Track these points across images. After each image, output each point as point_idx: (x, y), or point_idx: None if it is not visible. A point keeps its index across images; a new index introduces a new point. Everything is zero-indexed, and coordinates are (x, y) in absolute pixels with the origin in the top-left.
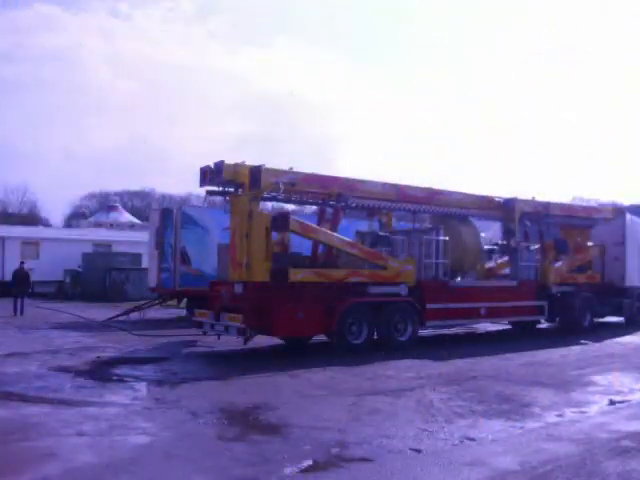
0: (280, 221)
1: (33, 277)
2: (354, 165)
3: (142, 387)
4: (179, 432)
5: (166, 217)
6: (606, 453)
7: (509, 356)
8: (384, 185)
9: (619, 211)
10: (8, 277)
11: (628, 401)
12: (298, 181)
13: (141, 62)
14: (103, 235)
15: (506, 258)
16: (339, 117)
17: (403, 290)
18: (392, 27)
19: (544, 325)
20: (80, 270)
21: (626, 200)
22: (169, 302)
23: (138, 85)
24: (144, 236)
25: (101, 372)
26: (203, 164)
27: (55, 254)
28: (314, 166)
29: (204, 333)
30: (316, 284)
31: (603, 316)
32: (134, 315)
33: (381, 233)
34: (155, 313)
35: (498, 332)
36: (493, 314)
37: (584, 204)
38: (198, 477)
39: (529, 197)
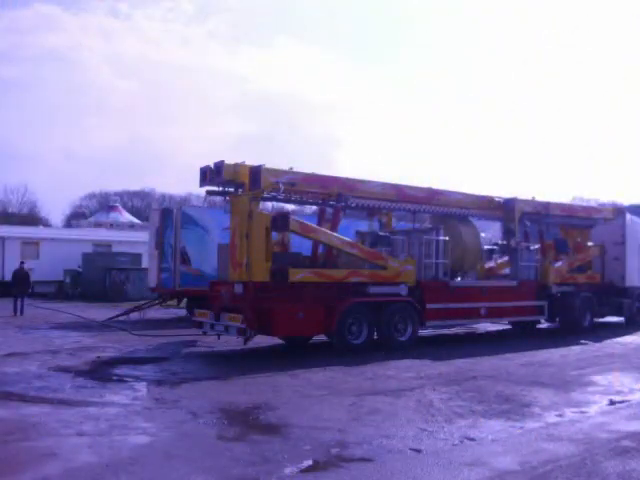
0: (280, 221)
1: (33, 277)
2: (354, 165)
3: (142, 387)
4: (179, 432)
5: (166, 217)
6: (606, 453)
7: (509, 356)
8: (384, 185)
9: (619, 211)
10: (8, 277)
11: (628, 401)
12: (298, 181)
13: (141, 62)
14: (103, 235)
15: (506, 258)
16: (339, 117)
17: (403, 290)
18: (392, 27)
19: (544, 325)
20: (80, 270)
21: (626, 200)
22: (169, 302)
23: (138, 85)
24: (144, 236)
25: (101, 372)
26: (203, 164)
27: (55, 254)
28: (314, 166)
29: (204, 333)
30: (316, 284)
31: (603, 316)
32: (134, 315)
33: (381, 233)
34: (155, 313)
35: (498, 332)
36: (493, 314)
37: (584, 204)
38: (198, 477)
39: (529, 197)
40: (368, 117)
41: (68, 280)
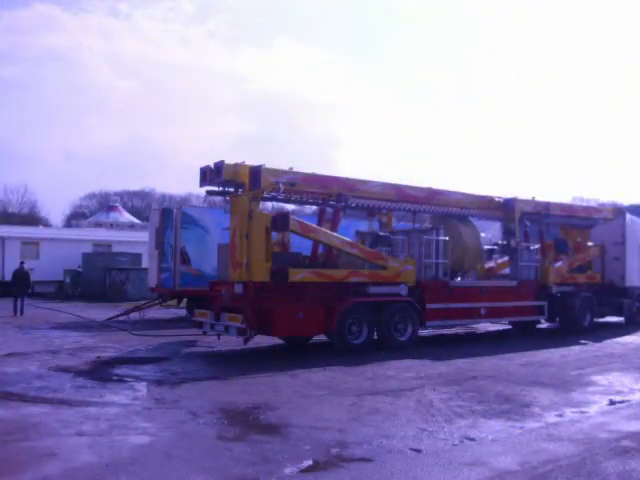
0: (280, 221)
1: (33, 277)
2: (354, 165)
3: (142, 387)
4: (179, 432)
5: (166, 217)
6: (606, 453)
7: (509, 356)
8: (384, 185)
9: (619, 211)
10: (8, 277)
11: (628, 401)
12: (298, 181)
13: (141, 62)
14: (103, 235)
15: (506, 258)
16: (339, 117)
17: (403, 290)
18: (392, 27)
19: (544, 325)
20: (80, 270)
21: (626, 200)
22: (169, 302)
23: (138, 85)
24: (144, 236)
25: (101, 372)
26: (203, 164)
27: (55, 254)
28: (314, 166)
29: (204, 333)
30: (316, 284)
31: (603, 316)
32: (134, 315)
33: (381, 233)
34: (155, 313)
35: (498, 332)
36: (493, 314)
37: (584, 204)
38: (198, 477)
39: (529, 197)
40: (368, 117)
41: (68, 280)
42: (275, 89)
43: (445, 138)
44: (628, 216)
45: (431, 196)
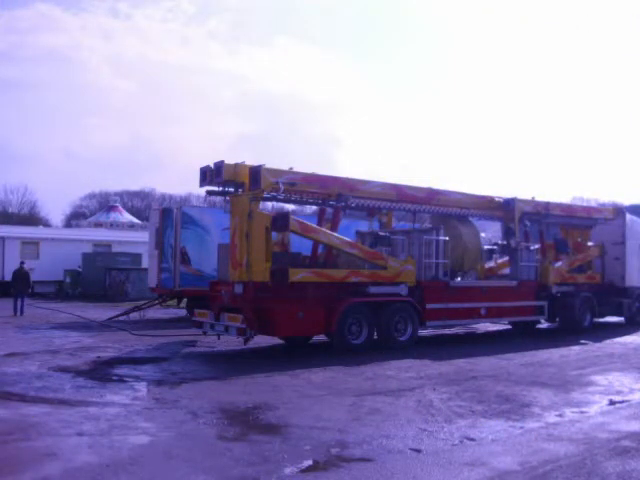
0: (280, 221)
1: (33, 277)
2: (354, 165)
3: (142, 387)
4: (179, 432)
5: (166, 217)
6: (606, 453)
7: (509, 356)
8: (384, 185)
9: (619, 211)
10: (8, 277)
11: (628, 401)
12: (298, 181)
13: (141, 62)
14: (103, 235)
15: (506, 258)
16: (339, 117)
17: (403, 290)
18: (392, 27)
19: (544, 325)
20: (80, 270)
21: (626, 200)
22: (169, 302)
23: (138, 85)
24: (144, 236)
25: (101, 372)
26: (203, 164)
27: (55, 254)
28: (314, 166)
29: (204, 333)
30: (316, 284)
31: (603, 316)
32: (134, 315)
33: (381, 233)
34: (155, 313)
35: (498, 332)
36: (493, 314)
37: (584, 204)
38: (198, 477)
39: (529, 197)
40: (368, 117)
41: (68, 280)
42: (275, 89)
43: (445, 138)
44: (628, 216)
45: (431, 196)
